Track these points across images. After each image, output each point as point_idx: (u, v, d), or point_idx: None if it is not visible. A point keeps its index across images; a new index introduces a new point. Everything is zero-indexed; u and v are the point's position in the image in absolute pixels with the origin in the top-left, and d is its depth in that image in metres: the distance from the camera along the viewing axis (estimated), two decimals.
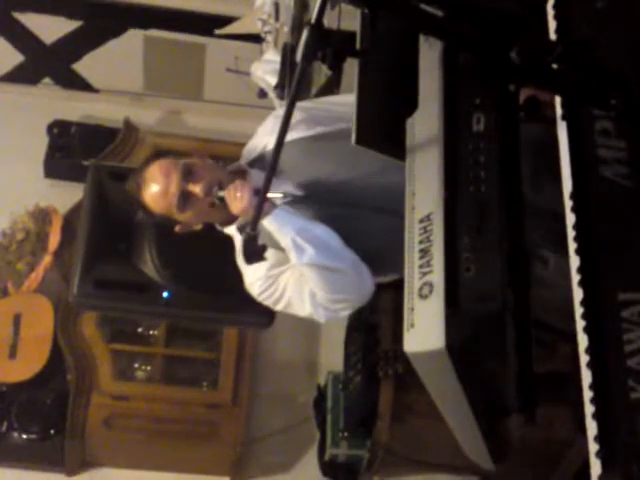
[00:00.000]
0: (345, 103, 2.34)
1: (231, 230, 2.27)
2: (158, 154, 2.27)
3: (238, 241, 2.24)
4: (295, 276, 2.19)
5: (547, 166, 1.66)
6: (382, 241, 2.12)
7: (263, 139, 2.32)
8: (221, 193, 2.15)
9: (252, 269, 2.19)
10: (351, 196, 2.22)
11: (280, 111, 2.41)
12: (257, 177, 2.20)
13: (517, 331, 1.43)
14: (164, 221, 2.26)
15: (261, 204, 1.74)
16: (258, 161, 2.31)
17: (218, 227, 2.31)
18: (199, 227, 2.28)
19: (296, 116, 2.23)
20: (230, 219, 2.23)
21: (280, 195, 2.16)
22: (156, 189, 2.18)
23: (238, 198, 2.12)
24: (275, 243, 2.15)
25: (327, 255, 2.13)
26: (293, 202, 2.21)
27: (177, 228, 2.25)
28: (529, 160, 1.60)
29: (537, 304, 1.50)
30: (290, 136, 2.13)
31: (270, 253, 2.14)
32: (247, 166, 2.31)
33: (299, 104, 2.24)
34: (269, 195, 2.16)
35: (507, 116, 1.54)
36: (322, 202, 2.22)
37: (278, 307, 2.28)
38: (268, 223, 2.12)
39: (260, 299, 2.27)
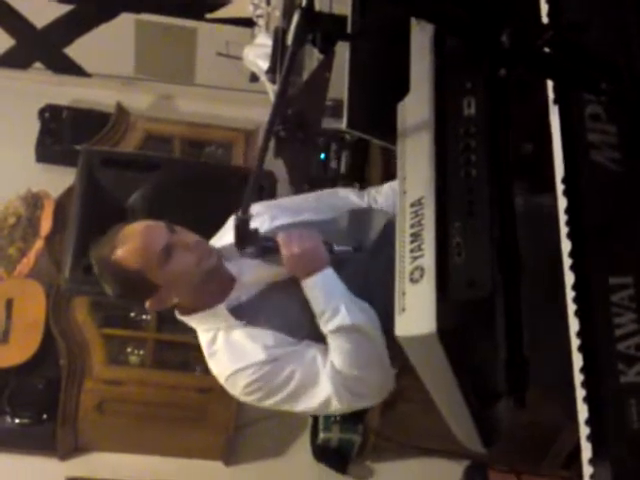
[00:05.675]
0: (309, 200, 2.22)
1: (195, 321, 1.99)
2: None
3: (204, 337, 1.98)
4: (307, 359, 1.93)
5: None
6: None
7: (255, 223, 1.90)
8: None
9: (238, 353, 1.92)
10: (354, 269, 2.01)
11: (256, 208, 2.03)
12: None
13: (507, 316, 1.44)
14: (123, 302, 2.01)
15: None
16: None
17: (179, 316, 2.01)
18: (174, 303, 1.97)
19: (279, 204, 2.15)
20: (201, 303, 1.96)
21: (349, 248, 1.97)
22: (137, 243, 1.89)
23: (305, 237, 1.89)
24: (280, 321, 1.94)
25: (373, 323, 1.90)
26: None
27: (148, 304, 1.95)
28: None
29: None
30: (279, 222, 2.03)
31: (271, 335, 1.93)
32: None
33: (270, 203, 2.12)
34: (337, 249, 1.94)
35: (498, 100, 1.54)
36: None
37: (270, 400, 1.95)
38: (314, 281, 1.90)
39: (247, 390, 1.94)
